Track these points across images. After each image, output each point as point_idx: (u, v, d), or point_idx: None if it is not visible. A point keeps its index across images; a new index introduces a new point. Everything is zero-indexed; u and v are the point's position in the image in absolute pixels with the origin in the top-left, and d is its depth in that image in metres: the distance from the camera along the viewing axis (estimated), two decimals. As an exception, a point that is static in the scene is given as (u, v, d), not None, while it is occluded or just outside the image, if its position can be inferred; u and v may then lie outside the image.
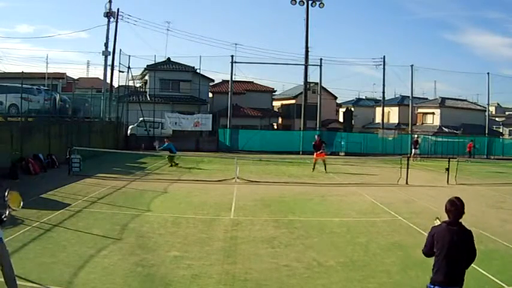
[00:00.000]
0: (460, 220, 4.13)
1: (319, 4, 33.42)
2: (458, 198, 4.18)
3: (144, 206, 10.90)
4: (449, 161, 17.71)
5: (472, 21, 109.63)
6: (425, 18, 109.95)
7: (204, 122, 32.22)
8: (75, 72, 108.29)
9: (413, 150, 28.40)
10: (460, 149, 33.41)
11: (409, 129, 37.41)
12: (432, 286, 4.08)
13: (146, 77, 39.35)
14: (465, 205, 4.23)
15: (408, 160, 17.52)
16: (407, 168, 16.71)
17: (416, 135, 32.26)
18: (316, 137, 20.82)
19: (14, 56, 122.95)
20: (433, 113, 46.32)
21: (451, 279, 3.99)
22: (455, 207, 4.11)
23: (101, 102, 29.19)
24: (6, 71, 34.86)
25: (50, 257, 6.73)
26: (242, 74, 57.64)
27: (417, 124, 44.89)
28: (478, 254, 4.22)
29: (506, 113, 68.54)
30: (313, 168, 19.99)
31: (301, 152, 29.34)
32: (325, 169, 19.80)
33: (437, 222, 4.30)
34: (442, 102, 46.95)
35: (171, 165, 20.19)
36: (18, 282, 5.53)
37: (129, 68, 31.91)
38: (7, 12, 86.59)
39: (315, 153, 20.14)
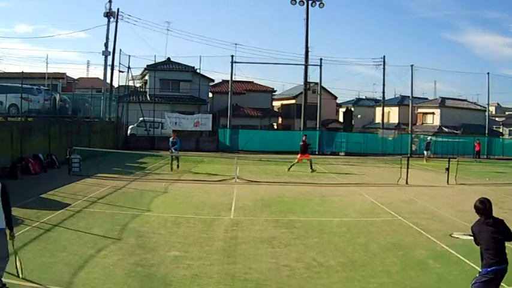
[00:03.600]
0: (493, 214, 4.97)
1: (319, 4, 33.35)
2: (486, 199, 5.00)
3: (144, 206, 10.90)
4: (449, 161, 17.70)
5: (471, 20, 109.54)
6: (424, 18, 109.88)
7: (204, 122, 32.21)
8: (75, 72, 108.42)
9: (425, 152, 28.43)
10: (460, 148, 33.41)
11: (409, 129, 37.40)
12: (489, 269, 4.81)
13: (146, 77, 39.33)
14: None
15: (408, 161, 17.49)
16: (408, 168, 16.70)
17: (429, 138, 32.23)
18: (303, 137, 20.64)
19: (14, 56, 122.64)
20: (433, 113, 46.31)
21: (501, 259, 4.81)
22: (485, 207, 4.94)
23: (101, 102, 29.17)
24: (6, 71, 34.87)
25: (50, 257, 6.73)
26: (242, 74, 57.81)
27: (417, 124, 44.88)
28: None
29: (506, 113, 68.64)
30: (289, 168, 19.58)
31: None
32: (311, 168, 19.70)
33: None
34: (442, 102, 46.95)
35: (178, 167, 18.77)
36: (18, 282, 5.54)
37: (129, 68, 31.98)
38: (5, 12, 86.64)
39: (299, 154, 20.09)
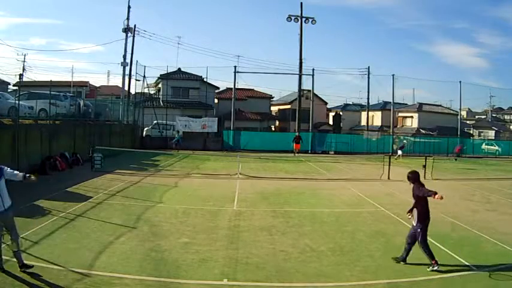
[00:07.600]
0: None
1: (312, 21, 33.35)
2: (413, 171, 6.30)
3: (157, 199, 10.89)
4: (426, 159, 17.67)
5: (439, 31, 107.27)
6: (396, 29, 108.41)
7: (211, 124, 32.17)
8: (97, 80, 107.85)
9: (398, 151, 28.21)
10: (435, 148, 33.35)
11: (391, 131, 37.36)
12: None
13: (159, 85, 39.27)
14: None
15: (390, 159, 17.45)
16: (389, 165, 16.68)
17: (404, 140, 32.06)
18: (296, 134, 29.14)
19: (39, 67, 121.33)
20: (411, 117, 46.35)
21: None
22: (411, 175, 6.28)
23: (120, 107, 29.09)
24: (36, 80, 34.82)
25: (75, 243, 6.72)
26: (244, 82, 57.33)
27: (398, 126, 44.86)
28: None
29: (476, 116, 68.97)
30: (294, 153, 27.36)
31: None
32: (295, 153, 27.40)
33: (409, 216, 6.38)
34: (419, 107, 46.97)
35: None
36: (46, 266, 5.53)
37: (144, 77, 31.88)
38: (22, 27, 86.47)
39: (294, 144, 27.84)
